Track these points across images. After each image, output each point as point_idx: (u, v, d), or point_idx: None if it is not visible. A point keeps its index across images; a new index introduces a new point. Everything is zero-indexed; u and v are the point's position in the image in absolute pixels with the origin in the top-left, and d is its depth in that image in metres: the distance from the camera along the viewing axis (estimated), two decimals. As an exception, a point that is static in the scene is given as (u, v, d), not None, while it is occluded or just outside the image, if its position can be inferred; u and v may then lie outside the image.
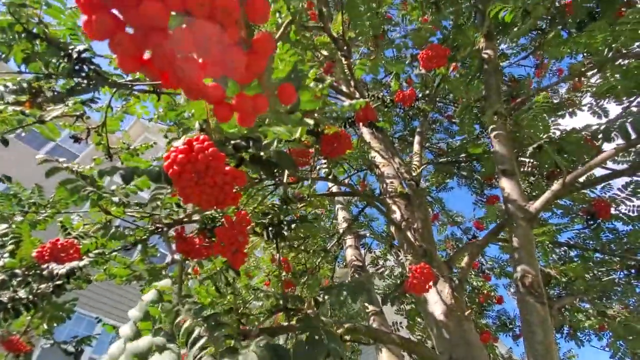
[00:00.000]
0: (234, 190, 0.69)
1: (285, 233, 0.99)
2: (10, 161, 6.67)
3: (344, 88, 2.86)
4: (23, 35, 0.97)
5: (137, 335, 0.59)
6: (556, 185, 1.59)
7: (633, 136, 1.24)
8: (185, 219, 1.30)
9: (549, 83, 3.15)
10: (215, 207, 0.67)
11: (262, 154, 0.63)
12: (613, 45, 1.56)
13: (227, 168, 0.63)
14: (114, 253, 1.68)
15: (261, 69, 0.36)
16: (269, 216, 1.00)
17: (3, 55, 0.99)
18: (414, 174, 2.39)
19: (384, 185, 2.56)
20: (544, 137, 1.92)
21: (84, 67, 1.23)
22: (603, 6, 2.08)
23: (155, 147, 2.38)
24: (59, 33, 1.36)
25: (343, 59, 1.82)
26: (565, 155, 2.18)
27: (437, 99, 3.64)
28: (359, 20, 1.60)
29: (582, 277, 2.38)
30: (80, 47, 1.13)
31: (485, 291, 3.91)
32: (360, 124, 2.43)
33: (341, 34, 1.87)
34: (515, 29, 1.75)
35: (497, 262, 4.21)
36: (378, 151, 2.69)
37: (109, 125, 2.01)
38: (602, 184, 2.30)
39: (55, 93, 1.40)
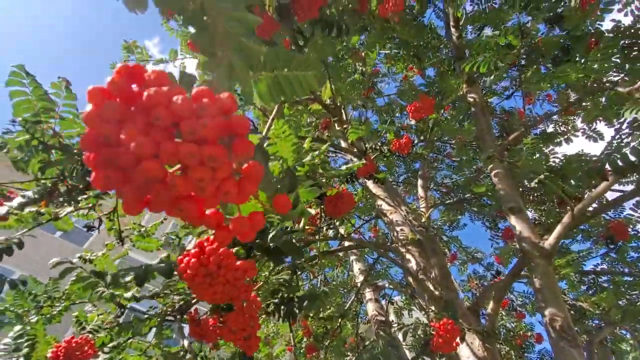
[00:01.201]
0: (246, 281, 0.71)
1: (297, 312, 0.98)
2: (30, 246, 6.78)
3: (342, 143, 2.96)
4: (40, 147, 1.07)
5: None
6: (566, 218, 1.56)
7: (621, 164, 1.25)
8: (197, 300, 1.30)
9: (542, 112, 3.22)
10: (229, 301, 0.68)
11: (269, 243, 0.66)
12: (588, 79, 1.63)
13: (238, 262, 0.65)
14: (130, 340, 1.65)
15: (253, 192, 0.40)
16: (279, 294, 0.99)
17: (21, 169, 1.08)
18: (422, 220, 2.38)
19: (395, 234, 2.53)
20: (545, 167, 1.92)
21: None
22: (573, 41, 2.20)
23: (165, 221, 2.43)
24: (73, 135, 1.47)
25: (336, 125, 1.92)
26: (572, 182, 2.17)
27: (435, 139, 3.72)
28: (343, 89, 1.72)
29: (616, 305, 2.23)
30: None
31: (521, 332, 3.64)
32: (362, 177, 2.48)
33: (332, 99, 2.00)
34: (491, 77, 1.86)
35: (527, 297, 3.98)
36: (384, 199, 2.71)
37: (121, 210, 2.09)
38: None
39: (70, 187, 1.49)
